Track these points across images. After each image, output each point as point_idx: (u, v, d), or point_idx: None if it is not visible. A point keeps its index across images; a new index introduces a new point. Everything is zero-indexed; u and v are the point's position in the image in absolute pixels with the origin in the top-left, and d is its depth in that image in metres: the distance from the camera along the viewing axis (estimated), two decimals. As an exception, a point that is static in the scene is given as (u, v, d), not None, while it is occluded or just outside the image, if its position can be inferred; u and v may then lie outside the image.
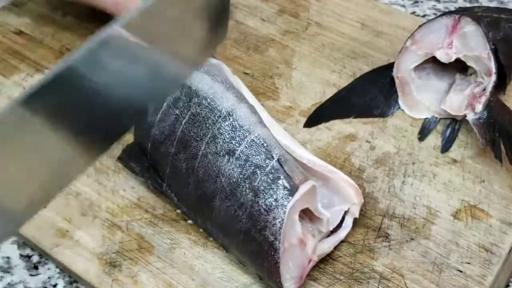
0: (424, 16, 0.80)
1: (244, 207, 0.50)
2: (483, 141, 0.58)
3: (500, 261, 0.53)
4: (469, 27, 0.60)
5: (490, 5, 0.80)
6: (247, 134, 0.52)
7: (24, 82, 0.71)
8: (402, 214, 0.57)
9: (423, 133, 0.63)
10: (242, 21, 0.76)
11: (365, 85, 0.68)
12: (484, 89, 0.60)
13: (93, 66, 0.36)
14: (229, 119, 0.53)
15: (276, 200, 0.49)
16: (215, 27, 0.50)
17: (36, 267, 0.59)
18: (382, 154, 0.62)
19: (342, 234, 0.54)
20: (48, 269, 0.58)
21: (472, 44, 0.60)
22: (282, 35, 0.74)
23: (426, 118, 0.64)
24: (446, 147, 0.62)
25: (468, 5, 0.82)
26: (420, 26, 0.63)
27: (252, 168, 0.50)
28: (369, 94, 0.66)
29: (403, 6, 0.82)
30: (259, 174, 0.50)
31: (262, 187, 0.49)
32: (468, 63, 0.61)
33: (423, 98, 0.64)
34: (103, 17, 0.52)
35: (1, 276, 0.58)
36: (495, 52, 0.60)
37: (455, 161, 0.61)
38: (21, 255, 0.59)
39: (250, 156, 0.51)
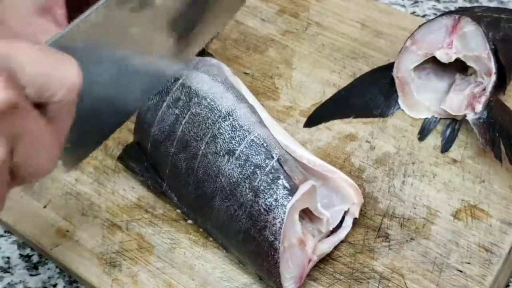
0: (424, 16, 0.80)
1: (244, 207, 0.50)
2: (483, 141, 0.58)
3: (500, 261, 0.53)
4: (469, 27, 0.60)
5: (490, 5, 0.80)
6: (247, 134, 0.52)
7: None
8: (402, 214, 0.57)
9: (423, 133, 0.63)
10: (242, 21, 0.76)
11: (365, 85, 0.68)
12: (484, 89, 0.60)
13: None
14: (229, 119, 0.53)
15: (276, 200, 0.49)
16: None
17: (36, 267, 0.59)
18: (382, 154, 0.62)
19: (342, 234, 0.54)
20: (48, 269, 0.58)
21: (472, 44, 0.60)
22: (282, 35, 0.74)
23: (426, 118, 0.64)
24: (446, 147, 0.62)
25: (468, 5, 0.82)
26: (420, 26, 0.63)
27: (252, 168, 0.50)
28: (369, 94, 0.66)
29: (403, 6, 0.82)
30: (259, 174, 0.50)
31: (262, 187, 0.49)
32: (468, 63, 0.61)
33: (423, 98, 0.64)
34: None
35: (1, 276, 0.58)
36: (495, 52, 0.59)
37: (455, 161, 0.61)
38: (21, 255, 0.60)
39: (250, 156, 0.51)
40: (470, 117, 0.59)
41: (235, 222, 0.51)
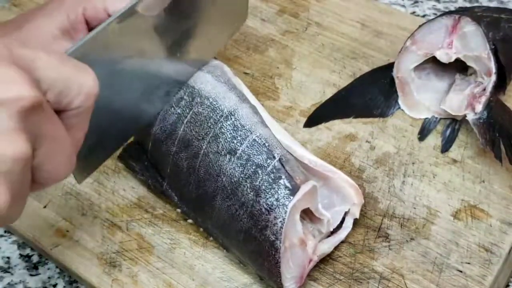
0: (424, 16, 0.80)
1: (245, 207, 0.50)
2: (483, 141, 0.58)
3: (500, 261, 0.53)
4: (469, 27, 0.60)
5: (490, 5, 0.80)
6: (248, 134, 0.52)
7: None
8: (402, 214, 0.57)
9: (423, 133, 0.63)
10: (242, 21, 0.76)
11: (365, 85, 0.68)
12: (484, 89, 0.60)
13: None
14: (231, 118, 0.53)
15: (277, 199, 0.49)
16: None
17: (36, 267, 0.59)
18: (382, 154, 0.62)
19: (342, 234, 0.54)
20: (48, 269, 0.58)
21: (472, 44, 0.60)
22: (282, 35, 0.74)
23: (426, 118, 0.64)
24: (446, 147, 0.62)
25: (468, 5, 0.82)
26: (420, 26, 0.63)
27: (254, 167, 0.50)
28: (369, 94, 0.66)
29: (403, 6, 0.82)
30: (260, 174, 0.50)
31: (263, 187, 0.49)
32: (468, 63, 0.61)
33: (423, 98, 0.64)
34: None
35: (1, 276, 0.58)
36: (495, 52, 0.60)
37: (455, 161, 0.61)
38: (21, 255, 0.59)
39: (251, 156, 0.51)
40: (470, 117, 0.59)
41: (236, 222, 0.51)
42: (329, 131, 0.64)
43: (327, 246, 0.53)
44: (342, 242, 0.55)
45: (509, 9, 0.67)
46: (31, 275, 0.58)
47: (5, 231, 0.61)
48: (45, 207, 0.59)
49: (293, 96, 0.68)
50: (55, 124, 0.33)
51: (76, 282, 0.57)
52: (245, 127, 0.52)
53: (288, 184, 0.49)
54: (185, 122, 0.54)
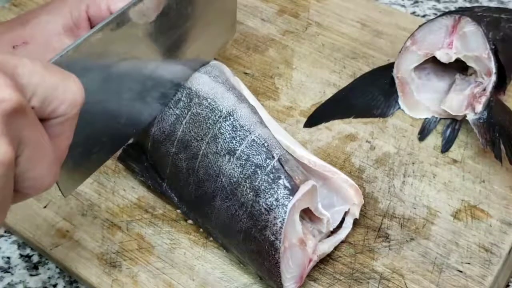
0: (424, 16, 0.80)
1: (245, 207, 0.50)
2: (483, 141, 0.58)
3: (500, 261, 0.53)
4: (469, 27, 0.60)
5: (490, 5, 0.80)
6: (247, 134, 0.52)
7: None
8: (402, 214, 0.57)
9: (423, 133, 0.63)
10: (242, 21, 0.76)
11: (365, 85, 0.68)
12: (484, 89, 0.60)
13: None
14: (230, 119, 0.53)
15: (277, 199, 0.49)
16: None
17: (36, 267, 0.59)
18: (382, 154, 0.62)
19: (342, 234, 0.54)
20: (48, 269, 0.58)
21: (472, 44, 0.60)
22: (282, 35, 0.74)
23: (426, 118, 0.64)
24: (446, 147, 0.62)
25: (468, 5, 0.82)
26: (420, 26, 0.63)
27: (253, 167, 0.50)
28: (369, 94, 0.66)
29: (403, 6, 0.82)
30: (259, 174, 0.50)
31: (262, 187, 0.49)
32: (468, 63, 0.61)
33: (423, 98, 0.64)
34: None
35: (1, 276, 0.58)
36: (495, 52, 0.60)
37: (455, 161, 0.61)
38: (21, 255, 0.59)
39: (250, 156, 0.51)
40: (470, 117, 0.59)
41: (236, 222, 0.51)
42: (329, 131, 0.64)
43: (327, 246, 0.53)
44: (342, 242, 0.55)
45: (509, 9, 0.67)
46: (31, 275, 0.58)
47: (5, 231, 0.61)
48: (45, 207, 0.59)
49: (293, 96, 0.68)
50: (38, 130, 0.33)
51: (76, 282, 0.57)
52: (244, 127, 0.52)
53: (287, 184, 0.49)
54: (183, 123, 0.54)
